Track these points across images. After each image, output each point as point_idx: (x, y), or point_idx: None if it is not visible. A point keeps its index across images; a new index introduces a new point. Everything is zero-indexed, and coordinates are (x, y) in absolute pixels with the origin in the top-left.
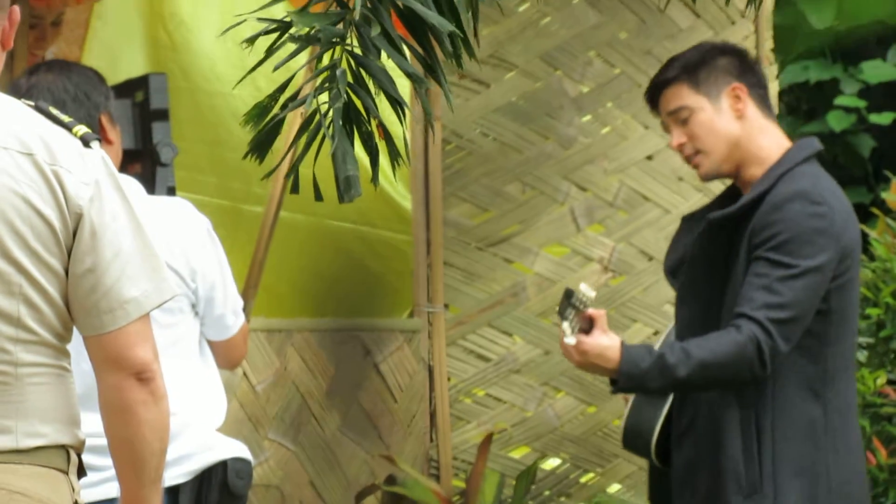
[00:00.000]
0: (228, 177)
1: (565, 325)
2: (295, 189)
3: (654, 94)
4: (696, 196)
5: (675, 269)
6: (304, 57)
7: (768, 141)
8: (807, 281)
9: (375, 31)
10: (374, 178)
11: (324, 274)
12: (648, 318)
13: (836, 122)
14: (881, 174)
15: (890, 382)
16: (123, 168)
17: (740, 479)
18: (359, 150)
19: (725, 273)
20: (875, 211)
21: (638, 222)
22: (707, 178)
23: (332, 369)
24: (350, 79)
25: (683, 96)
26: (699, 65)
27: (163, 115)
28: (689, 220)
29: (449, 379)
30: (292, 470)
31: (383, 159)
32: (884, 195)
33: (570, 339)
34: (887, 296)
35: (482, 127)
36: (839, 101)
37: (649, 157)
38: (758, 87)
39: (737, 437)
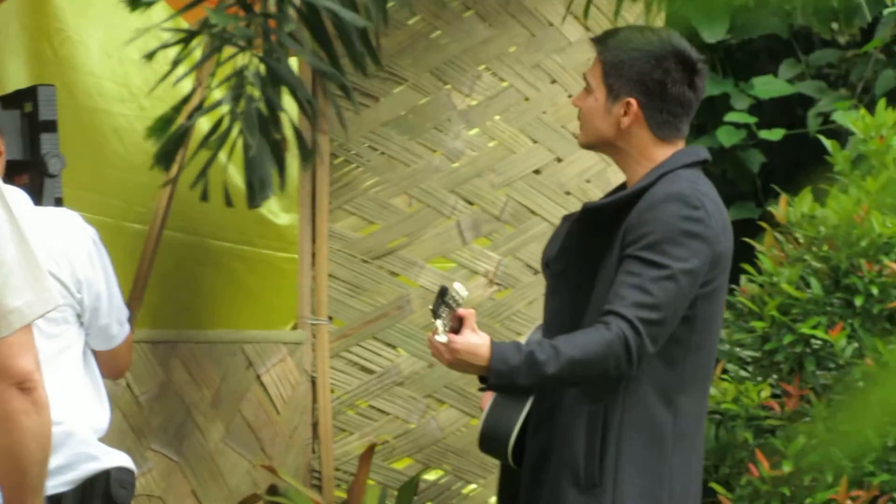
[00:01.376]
0: (110, 194)
1: (438, 323)
2: (204, 197)
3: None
4: None
5: (549, 262)
6: (191, 77)
7: (651, 152)
8: (678, 284)
9: (290, 27)
10: (282, 185)
11: (205, 290)
12: None
13: (726, 137)
14: (770, 190)
15: (774, 396)
16: (11, 179)
17: (579, 472)
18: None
19: (597, 265)
20: (763, 224)
21: (524, 236)
22: (583, 147)
23: (215, 381)
24: (259, 85)
25: (595, 73)
26: (621, 62)
27: (51, 126)
28: (568, 218)
29: (332, 391)
30: (175, 480)
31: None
32: (771, 208)
33: (442, 337)
34: (772, 309)
35: (370, 140)
36: (729, 116)
37: (537, 172)
38: (661, 113)
39: (581, 431)
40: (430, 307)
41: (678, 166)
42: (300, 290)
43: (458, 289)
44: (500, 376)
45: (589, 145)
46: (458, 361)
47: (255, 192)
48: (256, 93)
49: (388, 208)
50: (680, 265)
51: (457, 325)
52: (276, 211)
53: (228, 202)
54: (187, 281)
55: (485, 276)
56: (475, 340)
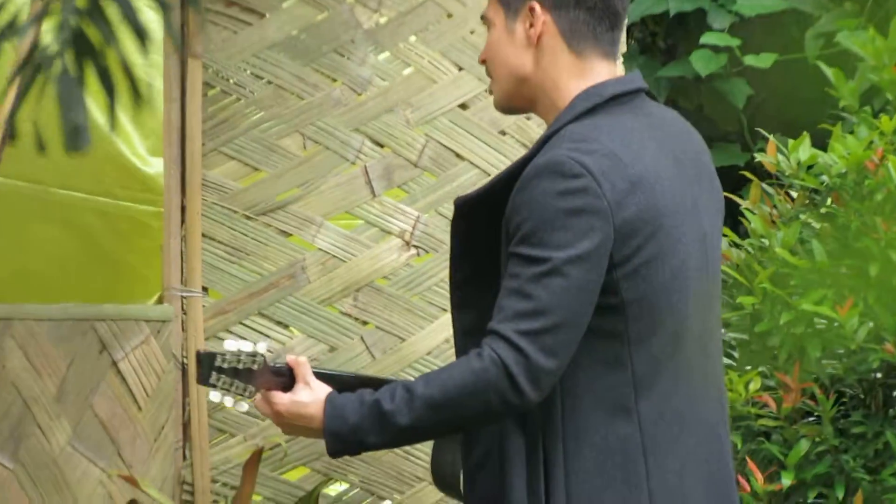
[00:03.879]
0: None
1: (214, 394)
2: (12, 136)
3: None
4: (522, 153)
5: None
6: None
7: (572, 84)
8: (566, 276)
9: None
10: (111, 123)
11: (51, 253)
12: None
13: (703, 64)
14: (758, 130)
15: (768, 389)
16: None
17: None
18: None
19: (496, 269)
20: (748, 175)
21: (449, 187)
22: (499, 110)
23: (61, 368)
24: (84, 3)
25: (491, 5)
26: None
27: None
28: None
29: None
30: (11, 493)
31: (122, 115)
32: (759, 156)
33: (242, 405)
34: (764, 280)
35: (254, 67)
36: (706, 38)
37: (463, 106)
38: (576, 9)
39: (521, 471)
40: (197, 378)
41: (566, 122)
42: (167, 254)
43: (233, 346)
44: (338, 439)
45: (506, 97)
46: (288, 426)
47: (69, 138)
48: (75, 17)
49: (276, 152)
50: (562, 254)
51: (287, 381)
52: (141, 154)
53: (41, 146)
54: (26, 241)
55: (400, 237)
56: (304, 398)
